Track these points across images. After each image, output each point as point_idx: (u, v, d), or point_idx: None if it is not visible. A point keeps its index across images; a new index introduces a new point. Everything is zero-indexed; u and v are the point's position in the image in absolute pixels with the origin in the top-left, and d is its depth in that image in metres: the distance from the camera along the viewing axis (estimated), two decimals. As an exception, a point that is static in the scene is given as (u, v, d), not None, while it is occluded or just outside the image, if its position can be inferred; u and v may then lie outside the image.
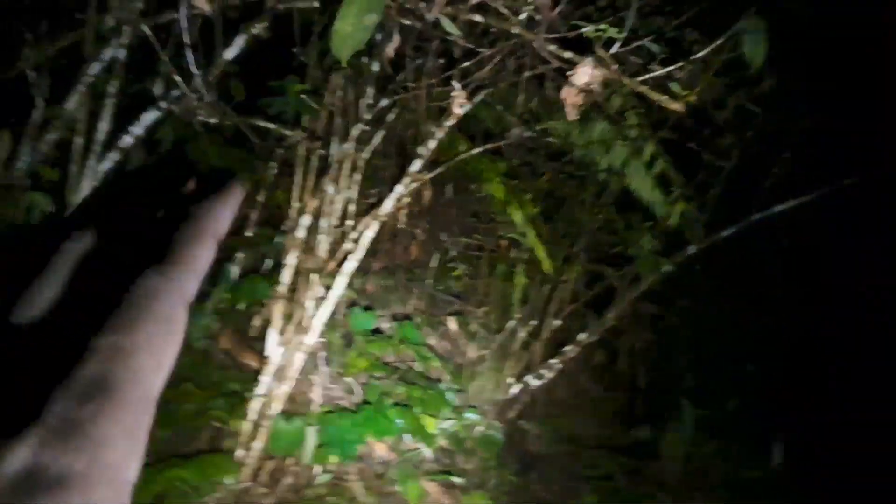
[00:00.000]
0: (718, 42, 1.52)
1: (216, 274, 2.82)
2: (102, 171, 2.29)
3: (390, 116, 2.52)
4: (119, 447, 0.23)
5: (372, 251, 2.55)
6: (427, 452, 2.63)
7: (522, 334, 3.06)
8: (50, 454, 0.21)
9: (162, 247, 0.28)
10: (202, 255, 0.29)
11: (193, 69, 2.04)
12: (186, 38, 1.97)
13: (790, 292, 3.28)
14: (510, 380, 3.06)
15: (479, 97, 2.26)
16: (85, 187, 2.27)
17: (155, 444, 2.26)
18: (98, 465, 0.22)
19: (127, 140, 2.29)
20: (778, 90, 2.26)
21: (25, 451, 0.21)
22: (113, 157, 2.29)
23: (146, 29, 2.05)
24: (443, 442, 2.69)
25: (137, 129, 2.30)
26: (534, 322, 3.09)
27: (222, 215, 0.30)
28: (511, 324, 3.06)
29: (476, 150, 2.52)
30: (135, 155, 2.93)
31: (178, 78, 2.05)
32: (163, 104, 2.19)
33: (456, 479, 2.57)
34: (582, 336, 3.04)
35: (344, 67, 1.75)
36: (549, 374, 3.08)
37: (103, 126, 2.30)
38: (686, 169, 2.76)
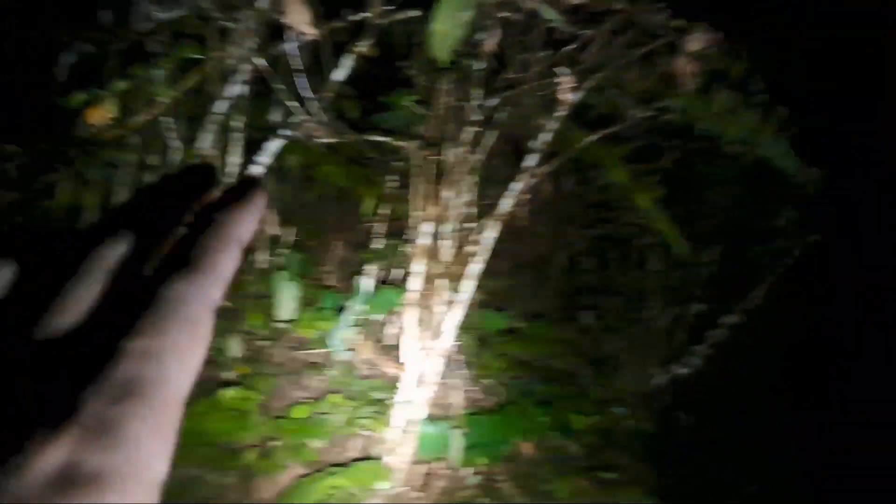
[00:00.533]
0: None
1: (351, 288, 2.92)
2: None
3: (500, 114, 2.51)
4: (150, 446, 0.24)
5: (497, 252, 2.54)
6: (575, 449, 2.58)
7: (662, 322, 2.95)
8: (84, 452, 0.22)
9: (188, 253, 0.29)
10: (227, 262, 0.30)
11: (308, 94, 2.13)
12: (298, 65, 2.06)
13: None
14: (655, 370, 2.95)
15: (588, 83, 2.20)
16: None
17: (310, 455, 2.37)
18: (130, 463, 0.23)
19: (256, 170, 2.42)
20: None
21: (61, 449, 0.22)
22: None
23: (262, 62, 2.16)
24: (590, 438, 2.63)
25: (264, 157, 2.43)
26: (673, 308, 2.96)
27: (246, 222, 0.31)
28: (649, 312, 2.96)
29: (592, 138, 2.46)
30: (265, 183, 3.11)
31: (294, 104, 2.14)
32: (284, 132, 2.30)
33: (608, 475, 2.51)
34: (727, 318, 2.88)
35: (448, 69, 1.76)
36: (695, 361, 2.95)
37: (233, 160, 2.45)
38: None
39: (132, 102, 2.17)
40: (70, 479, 0.22)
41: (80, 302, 0.28)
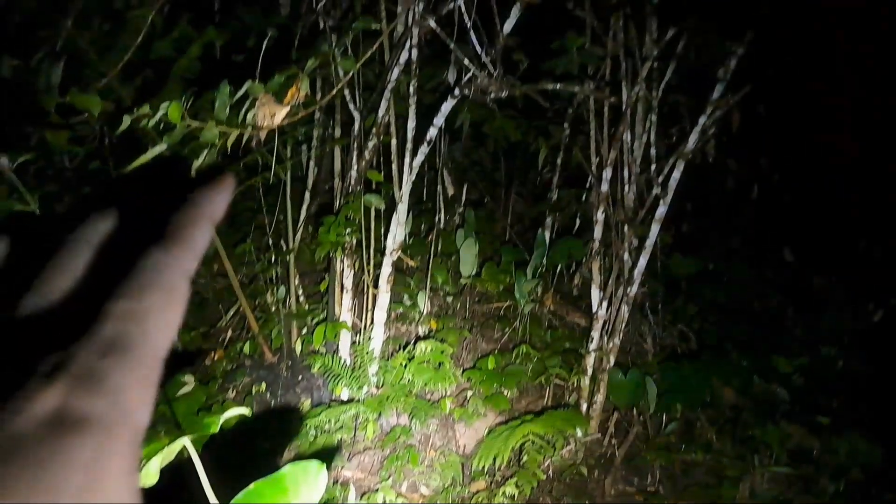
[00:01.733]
0: None
1: (531, 240, 2.92)
2: (417, 165, 2.51)
3: (680, 46, 2.37)
4: (133, 395, 0.26)
5: (682, 192, 2.42)
6: (782, 393, 2.43)
7: (876, 254, 2.68)
8: (74, 399, 0.25)
9: (164, 228, 0.32)
10: (200, 236, 0.33)
11: (478, 49, 2.13)
12: (466, 22, 2.06)
13: None
14: (868, 305, 2.70)
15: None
16: (406, 181, 2.51)
17: (504, 404, 2.43)
18: (116, 410, 0.25)
19: (432, 132, 2.48)
20: None
21: (54, 395, 0.25)
22: (423, 151, 2.50)
23: (432, 23, 2.19)
24: (799, 381, 2.47)
25: (439, 119, 2.48)
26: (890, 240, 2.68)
27: (217, 202, 0.34)
28: (861, 244, 2.70)
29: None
30: (439, 143, 3.17)
31: (466, 61, 2.15)
32: (456, 91, 2.32)
33: (821, 419, 2.34)
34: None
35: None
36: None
37: (410, 124, 2.52)
38: None
39: (319, 78, 2.28)
40: (60, 421, 0.25)
41: (68, 270, 0.33)
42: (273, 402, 2.53)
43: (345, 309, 2.53)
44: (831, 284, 2.73)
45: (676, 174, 2.44)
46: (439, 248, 3.02)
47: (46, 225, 0.38)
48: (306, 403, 2.48)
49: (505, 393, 2.49)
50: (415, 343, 2.55)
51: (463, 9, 2.13)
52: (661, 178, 2.50)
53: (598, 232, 2.56)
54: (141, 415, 0.26)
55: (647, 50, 2.33)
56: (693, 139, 2.35)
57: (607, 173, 2.52)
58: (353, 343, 2.51)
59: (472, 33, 2.17)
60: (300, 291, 2.77)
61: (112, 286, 0.29)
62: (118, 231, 0.35)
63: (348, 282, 2.55)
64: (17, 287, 0.33)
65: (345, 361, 2.46)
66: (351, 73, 2.11)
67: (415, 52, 2.40)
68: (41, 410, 0.25)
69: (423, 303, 2.75)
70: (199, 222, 0.33)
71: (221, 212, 0.34)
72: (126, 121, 1.36)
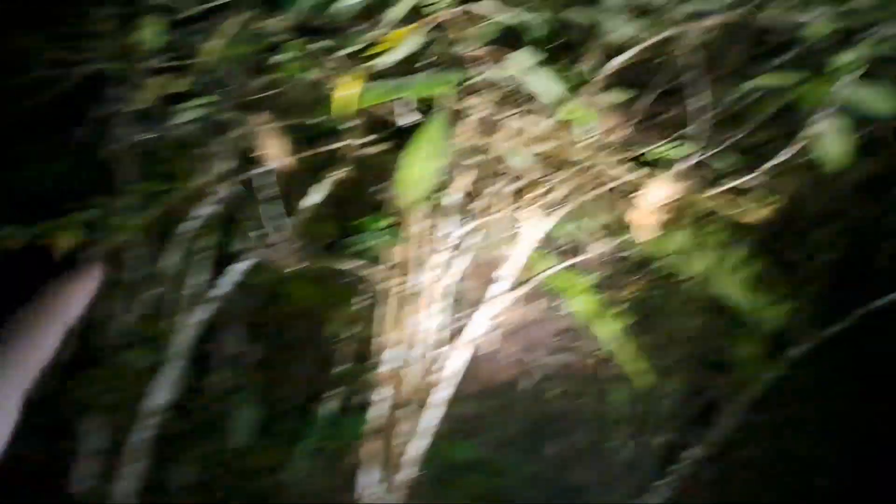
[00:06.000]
0: (797, 146, 1.47)
1: (308, 412, 2.83)
2: (194, 324, 2.39)
3: (470, 241, 2.55)
4: None
5: (464, 377, 2.51)
6: None
7: (625, 455, 2.90)
8: None
9: (4, 331, 0.29)
10: (46, 341, 0.30)
11: (280, 217, 2.15)
12: (271, 189, 2.09)
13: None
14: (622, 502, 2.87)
15: (554, 215, 2.27)
16: (179, 341, 2.37)
17: None
18: None
19: (216, 292, 2.40)
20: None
21: None
22: (204, 310, 2.40)
23: (233, 188, 2.20)
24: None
25: (230, 277, 2.41)
26: (636, 440, 2.93)
27: (74, 298, 0.31)
28: (611, 445, 2.91)
29: (557, 267, 2.51)
30: (230, 303, 3.07)
31: (265, 232, 2.16)
32: (252, 255, 2.30)
33: None
34: (691, 452, 2.85)
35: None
36: (661, 495, 2.88)
37: (194, 280, 2.42)
38: (787, 265, 2.65)
39: (98, 230, 2.15)
40: None
41: None
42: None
43: None
44: (590, 481, 2.88)
45: (459, 361, 2.53)
46: (212, 410, 2.83)
47: None
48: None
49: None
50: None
51: (267, 178, 2.17)
52: (446, 363, 2.58)
53: (377, 412, 2.54)
54: None
55: (442, 241, 2.47)
56: (474, 330, 2.48)
57: (393, 353, 2.55)
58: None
59: (276, 201, 2.20)
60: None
61: None
62: None
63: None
64: None
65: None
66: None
67: (216, 209, 2.36)
68: None
69: (182, 476, 2.51)
70: (47, 325, 0.27)
71: (79, 311, 0.29)
72: None
